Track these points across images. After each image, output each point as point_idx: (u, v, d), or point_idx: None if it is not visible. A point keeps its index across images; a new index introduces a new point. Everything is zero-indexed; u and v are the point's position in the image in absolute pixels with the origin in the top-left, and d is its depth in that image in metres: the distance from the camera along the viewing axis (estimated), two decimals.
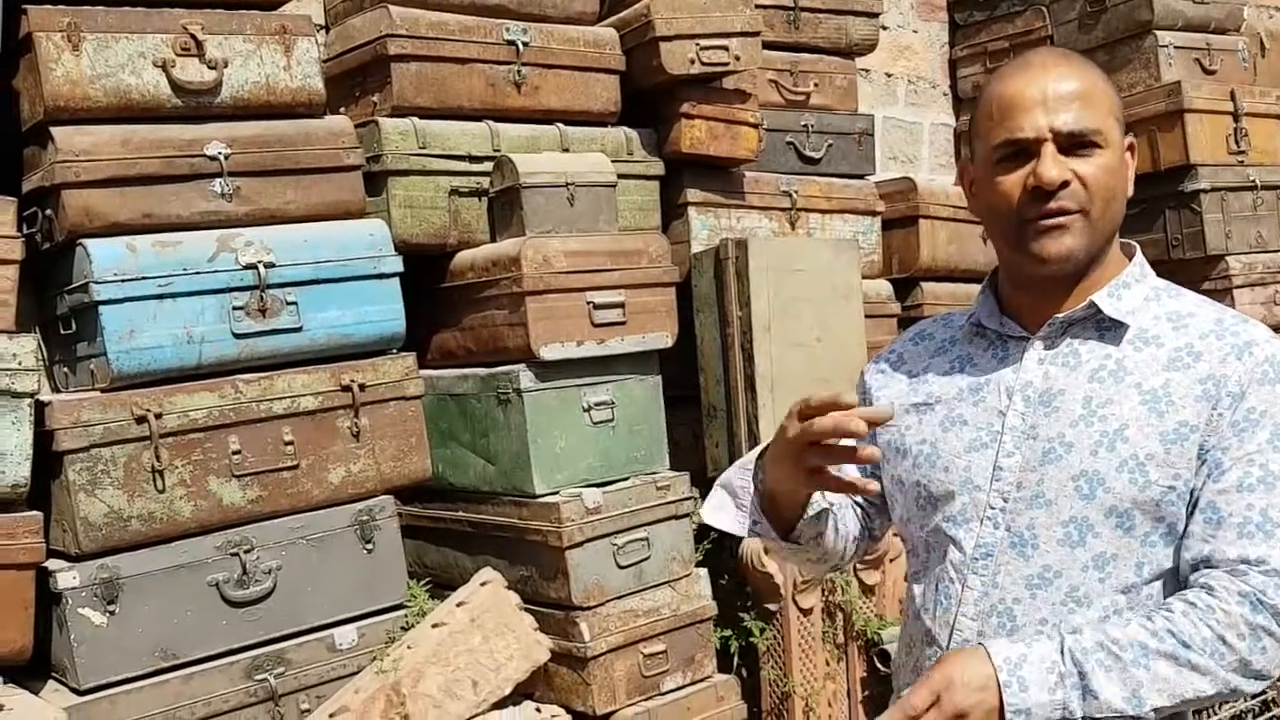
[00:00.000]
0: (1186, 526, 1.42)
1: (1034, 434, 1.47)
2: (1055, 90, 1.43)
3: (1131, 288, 1.50)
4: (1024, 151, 1.44)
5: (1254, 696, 3.90)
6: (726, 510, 1.63)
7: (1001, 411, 1.50)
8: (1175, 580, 1.45)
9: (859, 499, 1.73)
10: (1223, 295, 4.29)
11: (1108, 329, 1.49)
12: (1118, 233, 1.52)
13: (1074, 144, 1.42)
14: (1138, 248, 1.56)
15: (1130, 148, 1.50)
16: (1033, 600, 1.45)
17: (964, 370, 1.57)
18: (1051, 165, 1.41)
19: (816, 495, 1.59)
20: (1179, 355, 1.44)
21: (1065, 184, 1.41)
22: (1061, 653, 1.34)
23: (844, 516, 1.70)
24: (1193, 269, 4.35)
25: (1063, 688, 1.32)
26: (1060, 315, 1.50)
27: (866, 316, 3.68)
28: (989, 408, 1.52)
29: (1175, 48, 4.55)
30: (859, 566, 3.45)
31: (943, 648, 1.51)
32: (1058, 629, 1.41)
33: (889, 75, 5.00)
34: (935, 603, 1.54)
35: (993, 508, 1.48)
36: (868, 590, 3.49)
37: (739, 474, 1.63)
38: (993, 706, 1.32)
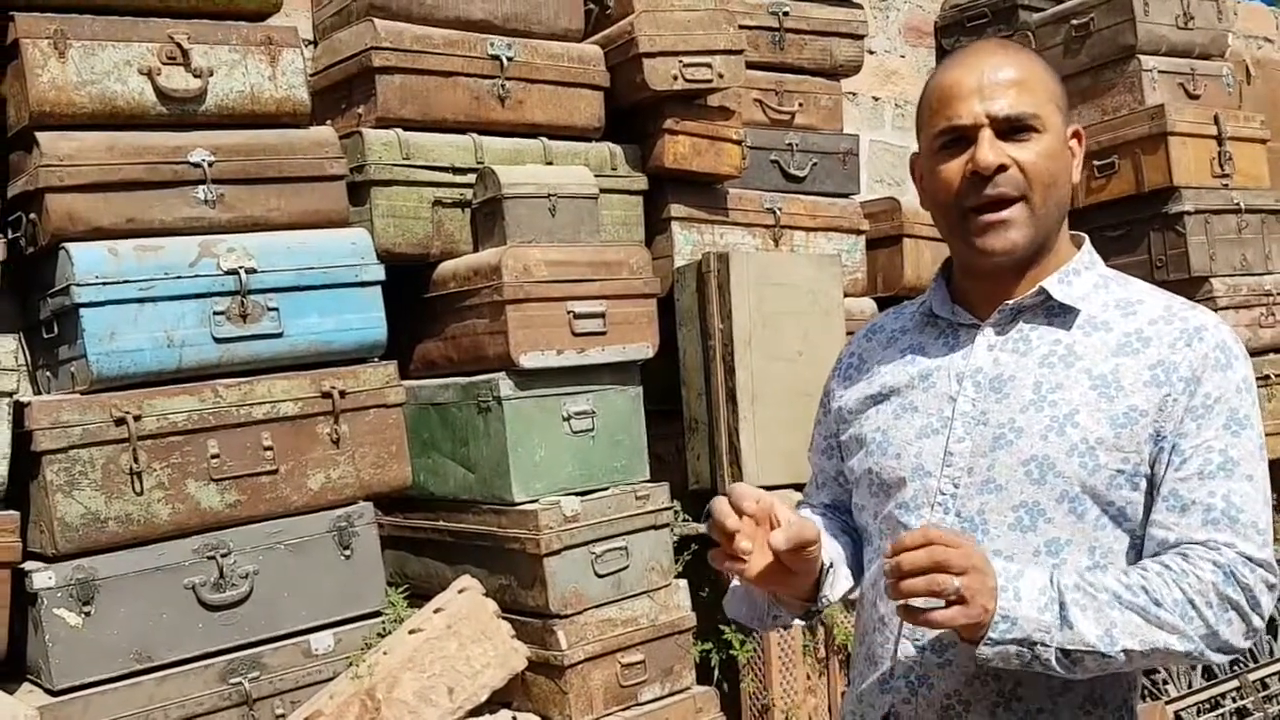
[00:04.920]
0: (1150, 513, 1.42)
1: (984, 419, 1.47)
2: (991, 77, 1.45)
3: (1081, 274, 1.52)
4: (963, 139, 1.46)
5: (1231, 694, 3.89)
6: (745, 603, 1.63)
7: (952, 397, 1.51)
8: (1130, 563, 1.45)
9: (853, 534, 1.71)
10: None
11: (1057, 315, 1.50)
12: (1065, 220, 1.53)
13: (1011, 129, 1.44)
14: (1086, 237, 1.57)
15: (1076, 135, 1.52)
16: None
17: (915, 359, 1.59)
18: (989, 150, 1.43)
19: (825, 560, 1.55)
20: (1128, 340, 1.46)
21: (1003, 168, 1.43)
22: (1050, 581, 1.34)
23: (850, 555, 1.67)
24: (1177, 290, 4.26)
25: (1050, 610, 1.32)
26: (1011, 301, 1.51)
27: (849, 333, 3.69)
28: (939, 394, 1.53)
29: (1159, 72, 4.59)
30: None
31: (893, 633, 1.51)
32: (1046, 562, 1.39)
33: (876, 99, 5.05)
34: (887, 587, 1.54)
35: (943, 493, 1.48)
36: (849, 604, 3.47)
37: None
38: (991, 592, 1.30)
